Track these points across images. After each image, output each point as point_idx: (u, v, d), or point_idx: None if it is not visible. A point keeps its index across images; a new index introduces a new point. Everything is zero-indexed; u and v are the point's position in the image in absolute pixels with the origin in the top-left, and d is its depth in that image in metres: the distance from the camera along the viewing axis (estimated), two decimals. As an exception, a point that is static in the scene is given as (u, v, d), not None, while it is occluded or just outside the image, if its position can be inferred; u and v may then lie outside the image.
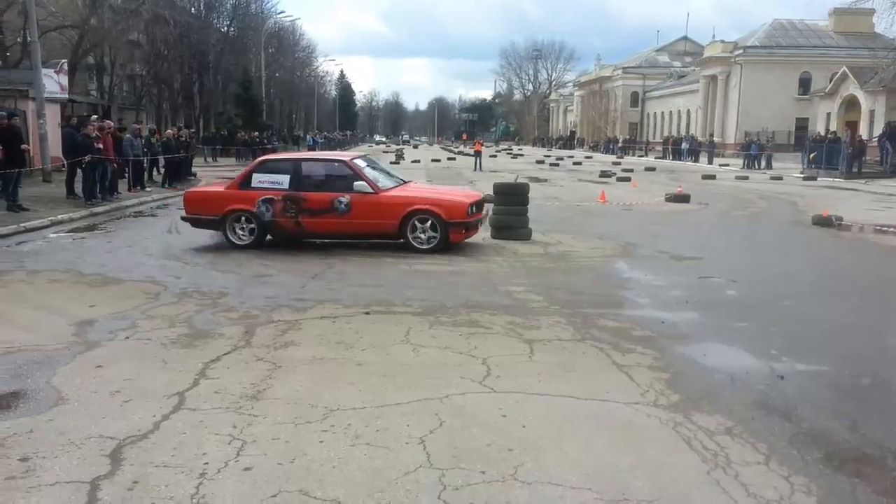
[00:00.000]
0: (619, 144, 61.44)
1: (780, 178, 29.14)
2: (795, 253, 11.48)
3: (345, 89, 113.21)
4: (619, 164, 39.56)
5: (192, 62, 47.69)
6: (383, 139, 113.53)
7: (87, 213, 14.53)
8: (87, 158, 15.26)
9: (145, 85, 44.98)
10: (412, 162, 41.29)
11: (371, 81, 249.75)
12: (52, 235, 12.00)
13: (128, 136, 18.88)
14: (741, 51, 52.77)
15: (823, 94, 40.97)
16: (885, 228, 13.75)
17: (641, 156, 54.52)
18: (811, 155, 31.94)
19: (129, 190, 18.42)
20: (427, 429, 4.20)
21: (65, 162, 16.66)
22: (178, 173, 22.36)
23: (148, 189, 19.44)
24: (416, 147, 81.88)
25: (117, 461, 3.79)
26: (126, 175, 18.58)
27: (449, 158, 46.40)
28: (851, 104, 38.31)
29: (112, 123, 18.58)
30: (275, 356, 5.55)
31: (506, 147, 75.58)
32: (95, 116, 19.32)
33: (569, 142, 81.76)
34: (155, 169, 21.87)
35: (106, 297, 7.56)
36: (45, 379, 5.00)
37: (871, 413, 4.59)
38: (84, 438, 4.05)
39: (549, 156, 49.55)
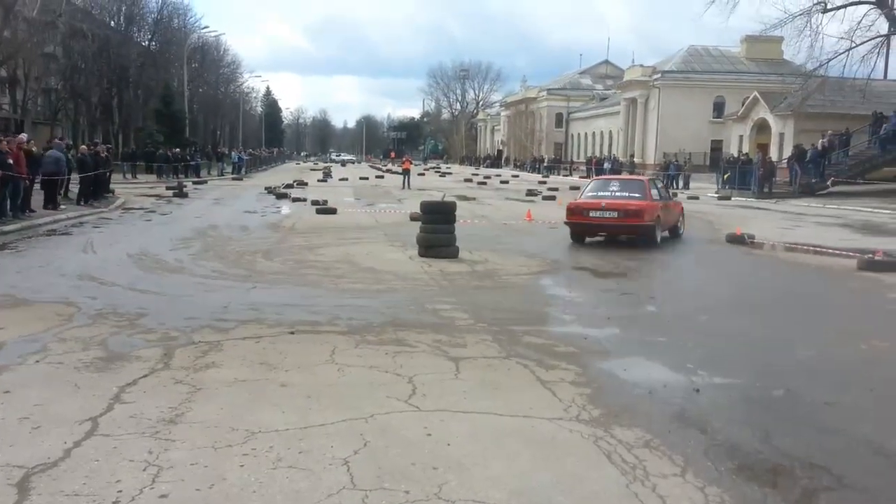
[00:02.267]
0: (546, 164, 62.58)
1: (696, 198, 30.20)
2: (711, 270, 11.91)
3: (271, 106, 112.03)
4: (545, 182, 40.28)
5: (111, 76, 46.40)
6: (333, 156, 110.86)
7: (-4, 231, 13.88)
8: (-3, 174, 14.61)
9: (61, 99, 43.48)
10: (340, 180, 41.11)
11: (298, 98, 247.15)
12: (-43, 255, 11.42)
13: (54, 151, 18.26)
14: (659, 75, 54.66)
15: (736, 117, 42.73)
16: (794, 246, 14.41)
17: (566, 175, 55.62)
18: (725, 175, 33.25)
19: (44, 207, 17.66)
20: (351, 449, 4.16)
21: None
22: (97, 190, 21.65)
23: (62, 207, 18.71)
24: (343, 165, 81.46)
25: (25, 491, 3.61)
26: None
27: (377, 177, 46.33)
28: (762, 127, 40.08)
29: (24, 138, 17.83)
30: (194, 378, 5.41)
31: (434, 165, 76.02)
32: (24, 135, 18.50)
33: (496, 161, 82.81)
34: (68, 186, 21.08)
35: (15, 319, 7.22)
36: (-53, 407, 4.74)
37: (781, 424, 4.77)
38: (-11, 468, 3.85)
39: (476, 174, 50.07)
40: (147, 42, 52.35)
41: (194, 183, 34.44)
